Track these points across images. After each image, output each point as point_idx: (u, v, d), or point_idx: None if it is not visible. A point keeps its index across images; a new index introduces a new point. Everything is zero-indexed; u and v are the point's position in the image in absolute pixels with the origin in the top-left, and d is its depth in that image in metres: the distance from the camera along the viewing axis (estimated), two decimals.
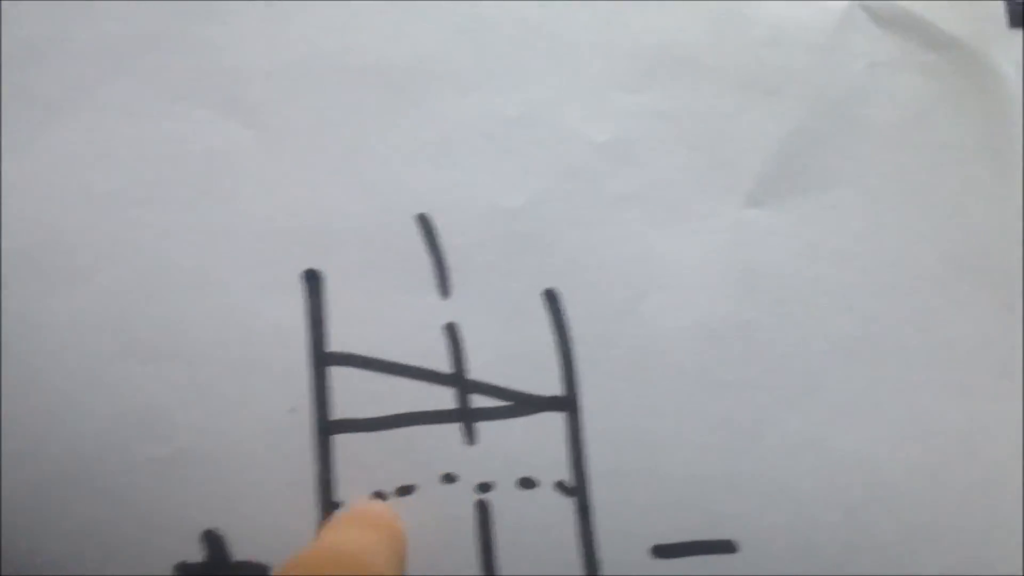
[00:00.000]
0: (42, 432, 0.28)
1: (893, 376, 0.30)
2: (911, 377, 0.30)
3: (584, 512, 0.29)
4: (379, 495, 0.29)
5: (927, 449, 0.30)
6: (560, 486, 0.29)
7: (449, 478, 0.29)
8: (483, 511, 0.28)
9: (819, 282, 0.30)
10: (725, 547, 0.29)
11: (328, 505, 0.28)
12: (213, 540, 0.28)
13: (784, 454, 0.29)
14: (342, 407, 0.29)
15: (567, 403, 0.29)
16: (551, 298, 0.30)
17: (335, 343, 0.29)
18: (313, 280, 0.29)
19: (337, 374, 0.29)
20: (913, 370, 0.30)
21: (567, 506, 0.29)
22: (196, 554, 0.28)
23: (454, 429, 0.29)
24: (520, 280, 0.30)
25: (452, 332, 0.29)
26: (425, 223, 0.30)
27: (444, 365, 0.29)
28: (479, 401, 0.29)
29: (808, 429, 0.30)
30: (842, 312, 0.30)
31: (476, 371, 0.29)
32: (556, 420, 0.29)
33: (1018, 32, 0.31)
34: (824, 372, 0.30)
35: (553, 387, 0.30)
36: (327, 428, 0.29)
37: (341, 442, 0.29)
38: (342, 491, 0.29)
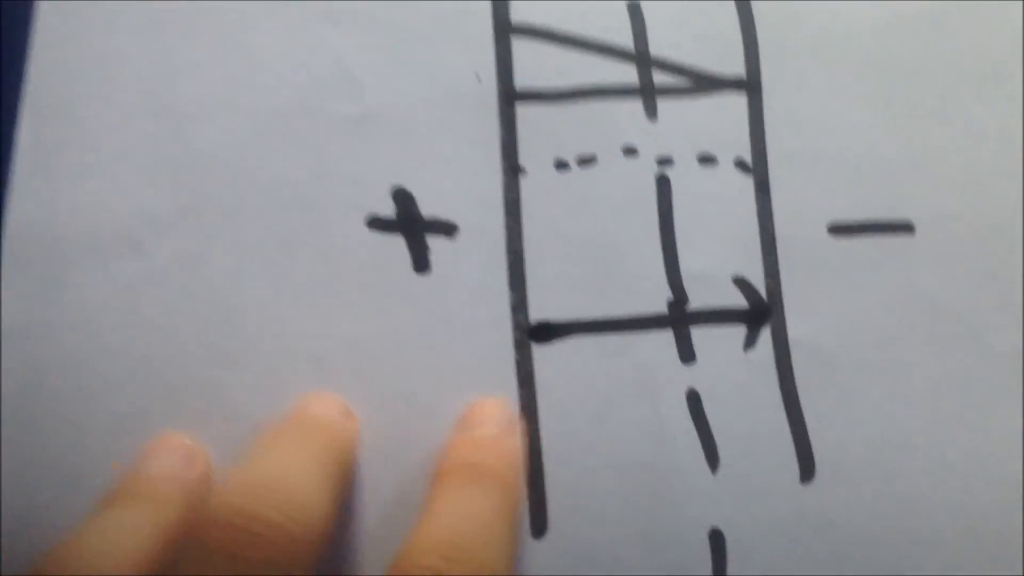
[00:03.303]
0: (245, 87, 0.29)
1: None
2: None
3: (763, 188, 0.30)
4: (561, 163, 0.30)
5: None
6: (740, 163, 0.30)
7: (630, 151, 0.30)
8: (663, 184, 0.30)
9: None
10: (903, 227, 0.30)
11: (513, 168, 0.29)
12: (403, 196, 0.29)
13: (968, 138, 0.30)
14: (526, 77, 0.30)
15: (749, 84, 0.30)
16: None
17: (518, 15, 0.30)
18: None
19: (521, 45, 0.30)
20: None
21: (746, 183, 0.30)
22: (387, 209, 0.29)
23: (636, 104, 0.30)
24: None
25: (635, 9, 0.30)
26: None
27: (627, 42, 0.30)
28: (661, 79, 0.30)
29: (995, 116, 0.30)
30: None
31: (659, 49, 0.30)
32: (738, 100, 0.30)
33: None
34: (1012, 60, 0.30)
35: (736, 68, 0.30)
36: (511, 96, 0.30)
37: (525, 111, 0.30)
38: (525, 156, 0.30)
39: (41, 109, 0.29)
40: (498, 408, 0.29)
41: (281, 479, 0.24)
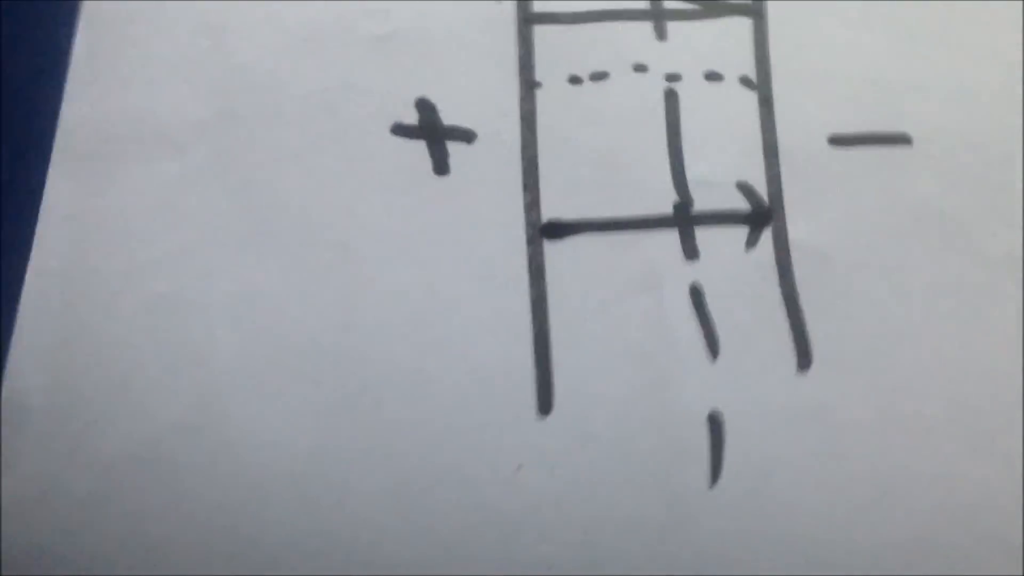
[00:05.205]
0: (283, 5, 0.32)
1: None
2: None
3: (766, 103, 0.31)
4: (575, 79, 0.32)
5: None
6: (744, 80, 0.32)
7: (640, 67, 0.32)
8: (671, 98, 0.31)
9: None
10: (901, 139, 0.31)
11: (529, 82, 0.31)
12: (425, 106, 0.31)
13: (966, 58, 0.32)
14: (544, 2, 0.32)
15: (755, 9, 0.32)
16: None
17: None
18: None
19: None
20: None
21: (750, 98, 0.32)
22: (411, 119, 0.31)
23: (647, 27, 0.32)
24: None
25: None
26: None
27: None
28: (671, 4, 0.32)
29: (992, 40, 0.32)
30: None
31: None
32: (743, 23, 0.32)
33: None
34: None
35: None
36: (530, 19, 0.32)
37: (542, 32, 0.32)
38: (541, 72, 0.32)
39: (96, 21, 0.32)
40: None
41: None
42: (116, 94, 0.31)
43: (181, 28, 0.32)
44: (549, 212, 0.31)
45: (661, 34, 0.32)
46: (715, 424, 0.29)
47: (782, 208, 0.31)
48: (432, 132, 0.32)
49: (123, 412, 0.29)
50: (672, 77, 0.32)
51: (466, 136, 0.31)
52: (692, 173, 0.32)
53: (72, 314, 0.29)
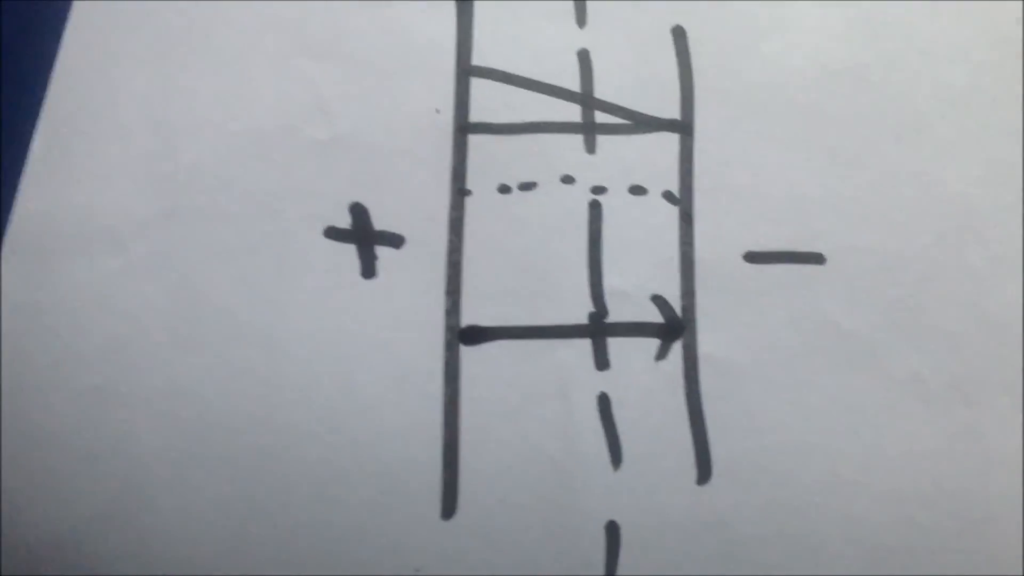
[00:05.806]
0: (231, 110, 0.33)
1: (997, 122, 0.32)
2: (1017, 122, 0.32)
3: (687, 218, 0.33)
4: (504, 188, 0.33)
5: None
6: (667, 195, 0.33)
7: (568, 179, 0.33)
8: (595, 209, 0.33)
9: (934, 32, 0.33)
10: (814, 258, 0.32)
11: (460, 190, 0.33)
12: (358, 211, 0.33)
13: (884, 183, 0.32)
14: (480, 112, 0.34)
15: (683, 125, 0.33)
16: (678, 34, 0.34)
17: (479, 58, 0.34)
18: (465, 1, 0.34)
19: (478, 85, 0.34)
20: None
21: (671, 213, 0.33)
22: (345, 222, 0.33)
23: (577, 139, 0.34)
24: (652, 15, 0.34)
25: (584, 56, 0.34)
26: None
27: (575, 85, 0.34)
28: (602, 118, 0.34)
29: (909, 163, 0.33)
30: (954, 63, 0.33)
31: (602, 92, 0.34)
32: (671, 140, 0.33)
33: None
34: (930, 113, 0.33)
35: (672, 111, 0.33)
36: (465, 128, 0.33)
37: (476, 141, 0.33)
38: (472, 180, 0.33)
39: (55, 123, 0.34)
40: None
41: None
42: (67, 190, 0.33)
43: (133, 128, 0.34)
44: (470, 317, 0.32)
45: (591, 147, 0.34)
46: (612, 533, 0.30)
47: (694, 321, 0.32)
48: (363, 236, 0.33)
49: (48, 500, 0.30)
50: (598, 189, 0.33)
51: (395, 241, 0.33)
52: (609, 284, 0.33)
53: (4, 403, 0.31)
